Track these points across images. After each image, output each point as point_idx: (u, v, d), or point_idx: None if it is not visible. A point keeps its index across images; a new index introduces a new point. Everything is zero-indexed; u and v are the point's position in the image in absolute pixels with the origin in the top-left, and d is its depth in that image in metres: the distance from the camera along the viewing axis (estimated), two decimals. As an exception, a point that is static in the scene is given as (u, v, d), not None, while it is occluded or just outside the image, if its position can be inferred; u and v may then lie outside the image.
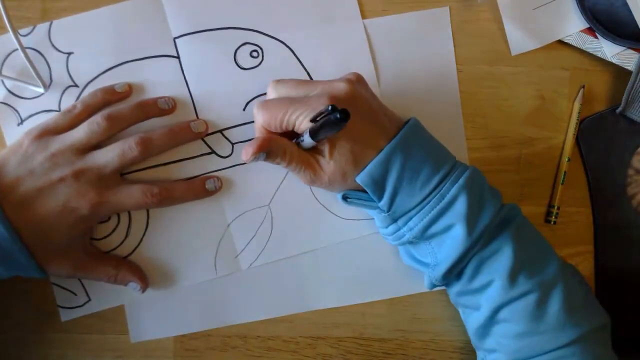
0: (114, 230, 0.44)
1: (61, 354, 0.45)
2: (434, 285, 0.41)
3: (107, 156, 0.40)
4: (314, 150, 0.39)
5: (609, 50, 0.46)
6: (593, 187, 0.48)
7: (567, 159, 0.47)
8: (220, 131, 0.45)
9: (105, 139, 0.41)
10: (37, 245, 0.38)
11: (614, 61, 0.47)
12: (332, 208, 0.46)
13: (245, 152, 0.38)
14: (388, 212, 0.39)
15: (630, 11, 0.46)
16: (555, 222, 0.47)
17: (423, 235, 0.39)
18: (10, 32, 0.42)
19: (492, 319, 0.39)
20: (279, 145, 0.38)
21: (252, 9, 0.45)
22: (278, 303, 0.46)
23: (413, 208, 0.39)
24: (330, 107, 0.34)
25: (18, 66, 0.44)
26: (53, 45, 0.44)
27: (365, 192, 0.39)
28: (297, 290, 0.46)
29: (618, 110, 0.47)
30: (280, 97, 0.40)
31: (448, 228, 0.38)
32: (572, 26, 0.47)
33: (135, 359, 0.46)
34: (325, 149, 0.38)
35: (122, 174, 0.43)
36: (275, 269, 0.46)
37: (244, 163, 0.45)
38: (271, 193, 0.46)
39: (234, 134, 0.45)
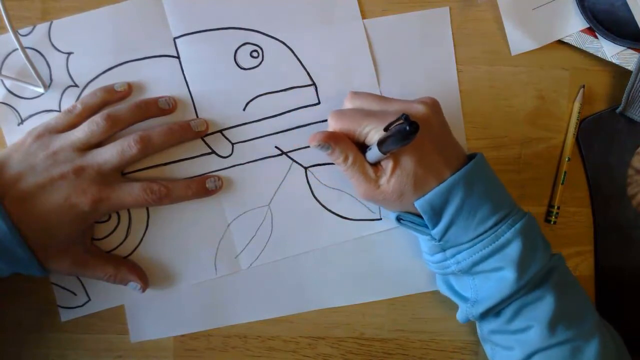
0: (114, 230, 0.44)
1: (61, 353, 0.45)
2: (469, 320, 0.41)
3: (107, 154, 0.40)
4: (377, 166, 0.39)
5: (609, 50, 0.46)
6: (593, 187, 0.48)
7: (567, 159, 0.47)
8: (220, 131, 0.45)
9: (105, 138, 0.41)
10: (37, 240, 0.38)
11: (614, 61, 0.47)
12: (332, 208, 0.46)
13: (312, 137, 0.39)
14: (439, 241, 0.39)
15: (630, 11, 0.46)
16: (555, 222, 0.47)
17: (469, 271, 0.39)
18: (10, 32, 0.42)
19: None
20: (345, 146, 0.39)
21: (252, 9, 0.45)
22: (278, 303, 0.46)
23: (465, 242, 0.39)
24: (403, 116, 0.33)
25: (18, 66, 0.44)
26: (53, 45, 0.44)
27: (419, 216, 0.40)
28: (297, 290, 0.46)
29: (618, 110, 0.47)
30: (356, 108, 0.40)
31: (497, 269, 0.39)
32: (572, 26, 0.47)
33: (135, 359, 0.46)
34: (389, 165, 0.38)
35: (123, 173, 0.43)
36: (275, 269, 0.46)
37: (244, 163, 0.45)
38: (271, 193, 0.46)
39: (234, 134, 0.45)
